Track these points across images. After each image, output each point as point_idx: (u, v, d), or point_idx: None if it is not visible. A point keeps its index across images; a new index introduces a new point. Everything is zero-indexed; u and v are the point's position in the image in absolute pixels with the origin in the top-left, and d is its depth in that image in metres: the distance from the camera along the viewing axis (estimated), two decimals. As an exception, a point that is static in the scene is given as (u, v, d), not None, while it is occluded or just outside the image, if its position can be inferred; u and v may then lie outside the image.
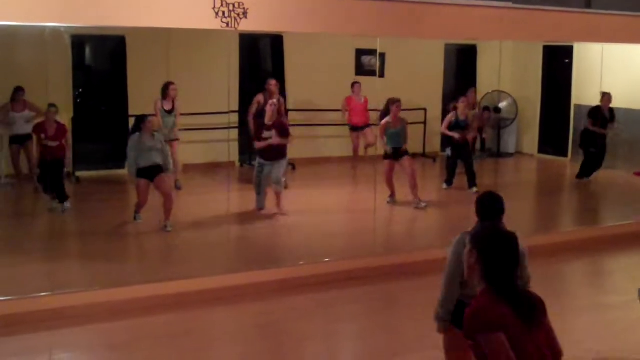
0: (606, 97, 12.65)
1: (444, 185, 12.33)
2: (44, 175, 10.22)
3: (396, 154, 10.84)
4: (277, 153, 10.20)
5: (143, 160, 9.33)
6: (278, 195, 10.24)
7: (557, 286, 8.28)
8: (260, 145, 10.22)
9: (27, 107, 10.91)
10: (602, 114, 12.73)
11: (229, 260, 8.34)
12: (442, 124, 12.45)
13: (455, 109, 12.18)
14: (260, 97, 11.73)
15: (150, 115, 9.94)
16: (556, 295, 8.10)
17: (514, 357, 3.20)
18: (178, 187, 11.39)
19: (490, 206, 4.78)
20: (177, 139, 11.28)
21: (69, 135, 10.61)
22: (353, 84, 13.37)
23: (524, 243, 4.19)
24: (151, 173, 9.33)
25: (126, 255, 8.91)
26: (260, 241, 9.46)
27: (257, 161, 10.36)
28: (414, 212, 10.75)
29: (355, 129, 13.28)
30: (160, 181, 9.38)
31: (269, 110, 10.25)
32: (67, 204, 10.12)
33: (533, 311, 3.37)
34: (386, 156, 10.89)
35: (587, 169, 12.88)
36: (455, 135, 11.92)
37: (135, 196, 9.58)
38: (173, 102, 11.16)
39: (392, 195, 11.10)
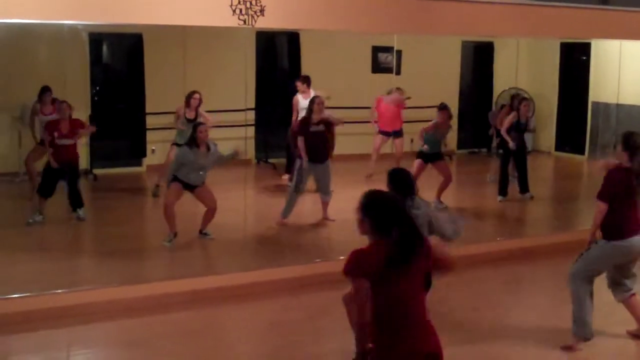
0: None
1: (499, 198, 11.52)
2: (48, 183, 9.35)
3: (431, 156, 10.76)
4: (324, 153, 9.82)
5: (192, 178, 8.65)
6: (326, 204, 9.92)
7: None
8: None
9: (56, 110, 9.79)
10: None
11: (246, 258, 8.36)
12: (500, 124, 11.95)
13: (514, 109, 11.72)
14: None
15: (201, 123, 9.27)
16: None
17: (365, 303, 3.72)
18: None
19: (402, 180, 5.70)
20: None
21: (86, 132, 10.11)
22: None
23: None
24: (193, 186, 8.76)
25: (146, 253, 8.94)
26: (276, 239, 9.47)
27: (300, 163, 9.72)
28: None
29: (383, 133, 12.62)
30: (204, 192, 8.78)
31: (318, 108, 9.81)
32: (82, 212, 9.47)
33: (408, 256, 3.73)
34: (420, 155, 10.80)
35: None
36: (510, 142, 11.29)
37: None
38: (196, 111, 10.97)
39: None
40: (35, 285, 7.11)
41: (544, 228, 10.55)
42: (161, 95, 12.17)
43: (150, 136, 12.69)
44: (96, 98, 12.91)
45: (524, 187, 11.57)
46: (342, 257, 8.15)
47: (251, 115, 12.75)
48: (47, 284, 7.19)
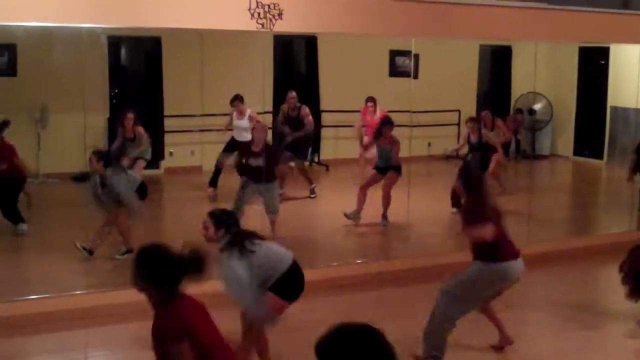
0: None
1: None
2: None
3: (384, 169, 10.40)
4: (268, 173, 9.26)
5: None
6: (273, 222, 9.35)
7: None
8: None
9: None
10: None
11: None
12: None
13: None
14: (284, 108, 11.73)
15: None
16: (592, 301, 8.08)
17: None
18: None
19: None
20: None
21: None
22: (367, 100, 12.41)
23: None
24: None
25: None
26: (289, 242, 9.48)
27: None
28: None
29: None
30: None
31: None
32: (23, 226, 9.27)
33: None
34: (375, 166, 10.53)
35: None
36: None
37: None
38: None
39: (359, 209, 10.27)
40: (53, 287, 7.15)
41: (560, 233, 10.49)
42: (179, 98, 12.22)
43: (168, 139, 12.74)
44: (114, 101, 12.98)
45: None
46: (359, 261, 8.26)
47: (269, 119, 12.78)
48: (64, 285, 7.23)
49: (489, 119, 12.59)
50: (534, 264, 8.67)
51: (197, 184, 11.79)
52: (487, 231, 5.66)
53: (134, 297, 7.12)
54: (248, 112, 11.37)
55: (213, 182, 11.32)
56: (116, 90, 13.14)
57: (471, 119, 11.47)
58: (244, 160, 9.36)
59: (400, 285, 8.03)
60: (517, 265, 5.89)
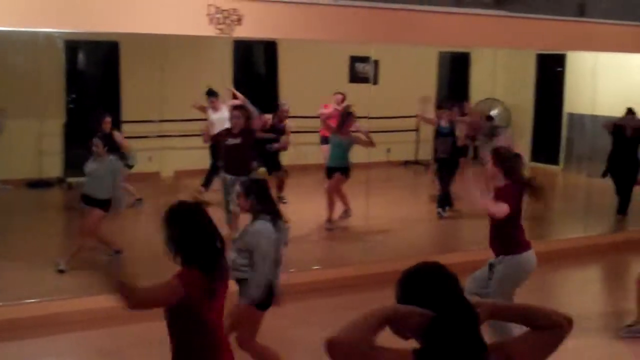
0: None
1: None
2: None
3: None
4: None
5: None
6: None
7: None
8: None
9: None
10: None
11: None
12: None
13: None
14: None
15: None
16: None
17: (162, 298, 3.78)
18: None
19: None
20: None
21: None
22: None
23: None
24: None
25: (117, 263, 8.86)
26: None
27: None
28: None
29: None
30: None
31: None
32: None
33: (213, 284, 3.78)
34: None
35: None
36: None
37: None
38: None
39: (346, 210, 10.43)
40: (3, 295, 7.02)
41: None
42: (137, 103, 12.09)
43: (125, 144, 12.61)
44: (71, 106, 12.82)
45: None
46: (316, 267, 8.24)
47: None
48: (15, 294, 7.11)
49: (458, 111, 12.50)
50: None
51: (154, 190, 11.65)
52: (501, 208, 5.92)
53: (87, 305, 7.08)
54: (223, 105, 11.29)
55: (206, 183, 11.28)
56: (73, 96, 12.98)
57: (445, 106, 11.44)
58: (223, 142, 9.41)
59: (357, 291, 8.01)
60: (533, 255, 6.11)
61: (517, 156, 6.29)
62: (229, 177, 9.17)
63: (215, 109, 11.49)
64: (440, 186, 11.27)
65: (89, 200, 8.31)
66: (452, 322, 2.54)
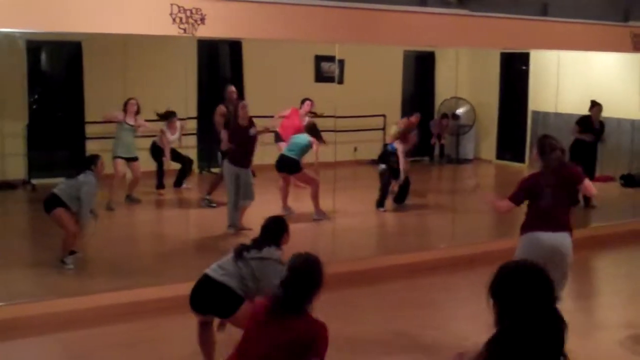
0: (597, 107, 11.75)
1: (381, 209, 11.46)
2: None
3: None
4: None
5: None
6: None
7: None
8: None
9: None
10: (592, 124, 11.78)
11: (191, 269, 8.27)
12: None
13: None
14: (223, 108, 11.50)
15: None
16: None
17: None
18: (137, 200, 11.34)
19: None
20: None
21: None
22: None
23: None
24: None
25: (85, 264, 8.78)
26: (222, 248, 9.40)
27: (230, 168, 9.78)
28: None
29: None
30: None
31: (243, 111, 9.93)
32: None
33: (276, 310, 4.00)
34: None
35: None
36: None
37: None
38: (134, 117, 10.96)
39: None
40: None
41: (477, 237, 10.53)
42: (101, 103, 11.98)
43: (90, 145, 12.47)
44: (34, 107, 12.70)
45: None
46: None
47: (193, 124, 12.66)
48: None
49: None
50: (457, 266, 8.83)
51: (121, 190, 11.57)
52: (500, 206, 6.44)
53: (55, 308, 7.01)
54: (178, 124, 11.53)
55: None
56: (36, 96, 12.84)
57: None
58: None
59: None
60: (546, 236, 6.16)
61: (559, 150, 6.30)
62: (235, 168, 9.63)
63: (173, 129, 11.63)
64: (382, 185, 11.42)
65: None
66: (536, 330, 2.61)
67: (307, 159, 11.09)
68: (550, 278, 2.77)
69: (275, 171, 10.78)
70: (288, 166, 10.58)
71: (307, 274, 4.08)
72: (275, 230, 5.46)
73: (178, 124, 11.63)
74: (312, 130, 10.82)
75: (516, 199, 6.30)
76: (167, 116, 11.47)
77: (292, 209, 10.71)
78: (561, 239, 6.16)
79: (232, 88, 11.77)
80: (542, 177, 6.21)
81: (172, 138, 11.64)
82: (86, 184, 8.07)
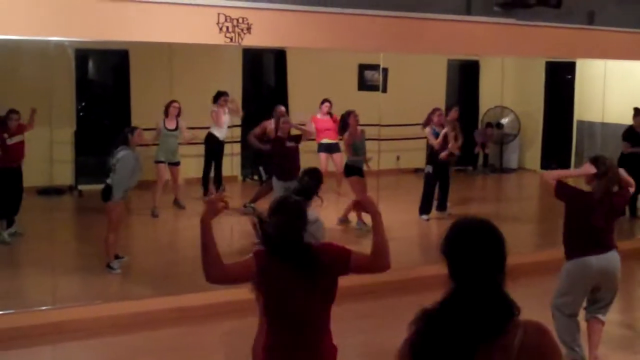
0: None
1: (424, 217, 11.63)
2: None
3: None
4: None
5: None
6: None
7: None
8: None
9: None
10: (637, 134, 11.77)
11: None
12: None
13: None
14: (266, 125, 11.53)
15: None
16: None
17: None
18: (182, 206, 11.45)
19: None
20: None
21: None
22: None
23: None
24: None
25: (130, 270, 8.89)
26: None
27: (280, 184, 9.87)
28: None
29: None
30: None
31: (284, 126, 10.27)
32: (14, 229, 9.54)
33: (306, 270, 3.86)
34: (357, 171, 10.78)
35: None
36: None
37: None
38: (176, 120, 11.14)
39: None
40: (18, 302, 7.05)
41: (522, 246, 10.45)
42: (147, 111, 12.13)
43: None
44: (81, 114, 12.88)
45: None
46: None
47: (237, 132, 12.74)
48: (30, 301, 7.14)
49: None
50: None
51: (167, 197, 11.69)
52: (549, 176, 6.51)
53: (101, 312, 7.11)
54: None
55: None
56: (83, 104, 13.04)
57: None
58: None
59: (372, 298, 7.98)
60: (595, 260, 6.06)
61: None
62: (284, 183, 9.59)
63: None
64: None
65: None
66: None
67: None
68: (502, 238, 2.78)
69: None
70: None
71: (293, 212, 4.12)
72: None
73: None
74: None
75: (563, 186, 6.27)
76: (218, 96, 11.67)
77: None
78: (611, 259, 6.10)
79: (282, 108, 11.81)
80: (594, 199, 6.10)
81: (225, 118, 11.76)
82: (121, 160, 8.20)
